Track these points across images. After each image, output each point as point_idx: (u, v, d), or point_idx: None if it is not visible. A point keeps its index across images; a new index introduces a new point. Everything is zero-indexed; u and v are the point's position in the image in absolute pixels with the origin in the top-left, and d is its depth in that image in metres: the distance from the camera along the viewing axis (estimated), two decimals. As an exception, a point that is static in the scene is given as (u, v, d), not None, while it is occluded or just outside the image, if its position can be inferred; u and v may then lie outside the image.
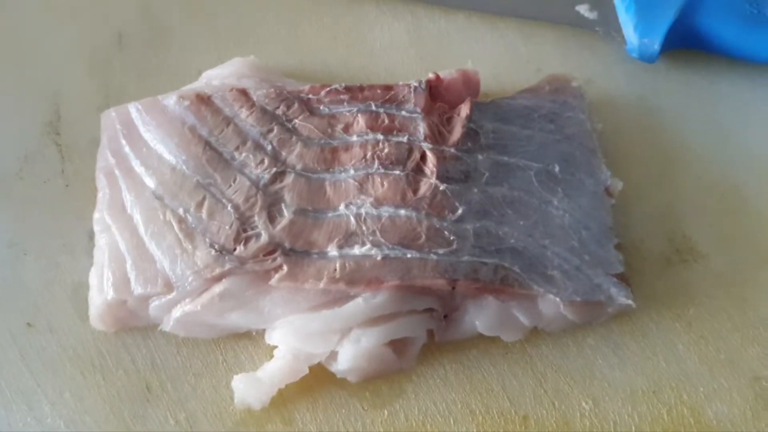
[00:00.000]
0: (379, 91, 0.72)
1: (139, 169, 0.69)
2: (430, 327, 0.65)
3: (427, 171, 0.68)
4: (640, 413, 0.66)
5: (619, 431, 0.65)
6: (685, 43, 0.83)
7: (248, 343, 0.67)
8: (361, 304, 0.62)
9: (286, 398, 0.64)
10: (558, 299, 0.65)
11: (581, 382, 0.67)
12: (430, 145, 0.69)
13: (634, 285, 0.68)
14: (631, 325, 0.69)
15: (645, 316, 0.70)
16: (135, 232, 0.66)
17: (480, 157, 0.71)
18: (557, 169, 0.72)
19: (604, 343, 0.68)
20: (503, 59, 0.84)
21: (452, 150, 0.70)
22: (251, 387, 0.63)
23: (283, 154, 0.69)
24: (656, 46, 0.81)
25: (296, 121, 0.70)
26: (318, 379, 0.64)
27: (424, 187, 0.67)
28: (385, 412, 0.65)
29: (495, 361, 0.67)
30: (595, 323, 0.69)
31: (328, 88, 0.72)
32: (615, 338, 0.69)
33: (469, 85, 0.75)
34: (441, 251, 0.64)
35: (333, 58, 0.83)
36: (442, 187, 0.67)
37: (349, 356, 0.63)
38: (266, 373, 0.63)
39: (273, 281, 0.63)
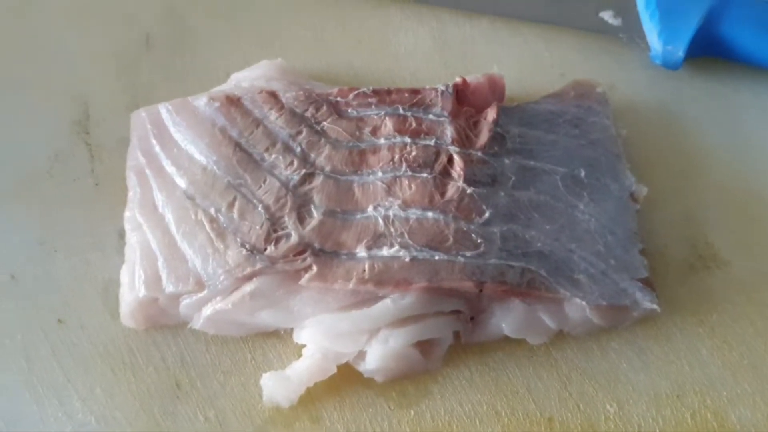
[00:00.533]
0: (406, 95, 0.73)
1: (170, 168, 0.70)
2: (457, 329, 0.66)
3: (455, 174, 0.69)
4: (664, 417, 0.66)
5: (645, 435, 0.65)
6: (709, 50, 0.83)
7: (277, 341, 0.68)
8: (389, 305, 0.63)
9: (314, 397, 0.65)
10: (584, 303, 0.65)
11: (606, 386, 0.67)
12: (457, 149, 0.70)
13: (658, 290, 0.69)
14: (656, 329, 0.70)
15: (669, 321, 0.70)
16: (167, 231, 0.67)
17: (506, 161, 0.71)
18: (583, 173, 0.72)
19: (628, 347, 0.69)
20: (527, 64, 0.85)
21: (479, 154, 0.71)
22: (280, 385, 0.64)
23: (312, 155, 0.69)
24: (680, 54, 0.81)
25: (325, 123, 0.71)
26: (346, 379, 0.65)
27: (451, 190, 0.68)
28: (412, 412, 0.66)
29: (520, 363, 0.68)
30: (620, 327, 0.69)
31: (356, 92, 0.73)
32: (639, 342, 0.69)
33: (495, 89, 0.76)
34: (468, 254, 0.65)
35: (358, 62, 0.84)
36: (469, 190, 0.68)
37: (377, 356, 0.63)
38: (295, 372, 0.64)
39: (303, 281, 0.64)
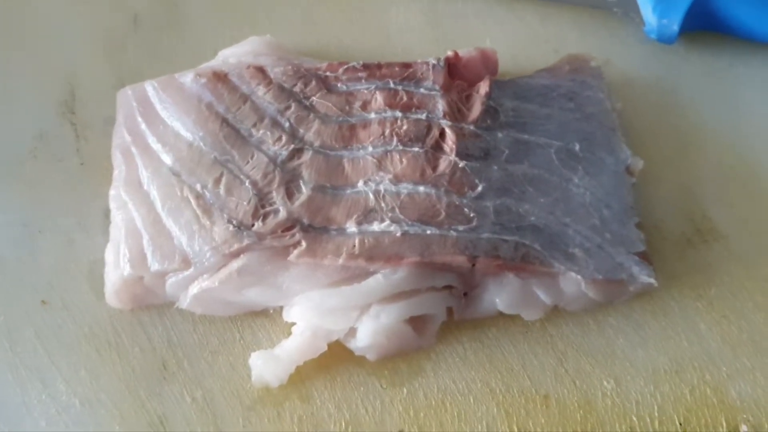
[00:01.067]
0: (397, 69, 0.72)
1: (155, 146, 0.68)
2: (450, 305, 0.65)
3: (446, 148, 0.67)
4: (662, 393, 0.65)
5: (641, 411, 0.64)
6: (704, 24, 0.82)
7: (266, 320, 0.67)
8: (380, 280, 0.62)
9: (304, 376, 0.64)
10: (579, 277, 0.64)
11: (603, 362, 0.66)
12: (449, 123, 0.69)
13: (656, 264, 0.67)
14: (653, 304, 0.68)
15: (666, 296, 0.69)
16: (152, 208, 0.65)
17: (499, 134, 0.70)
18: (577, 147, 0.71)
19: (625, 322, 0.68)
20: (521, 40, 0.83)
21: (471, 127, 0.69)
22: (269, 364, 0.62)
23: (301, 131, 0.68)
24: (675, 27, 0.80)
25: (314, 98, 0.70)
26: (336, 357, 0.64)
27: (443, 164, 0.67)
28: (404, 390, 0.64)
29: (515, 339, 0.66)
30: (617, 302, 0.68)
31: (345, 66, 0.72)
32: (636, 317, 0.68)
33: (487, 63, 0.75)
34: (461, 228, 0.64)
35: (349, 39, 0.82)
36: (461, 164, 0.67)
37: (369, 333, 0.62)
38: (284, 351, 0.63)
39: (292, 257, 0.62)
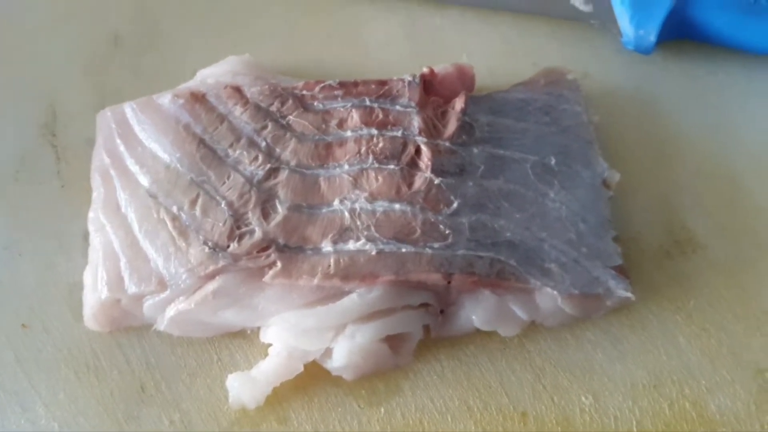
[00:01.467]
0: (373, 86, 0.72)
1: (133, 167, 0.68)
2: (426, 322, 0.65)
3: (422, 165, 0.68)
4: (641, 408, 0.65)
5: (620, 426, 0.64)
6: (682, 34, 0.82)
7: (242, 341, 0.67)
8: (355, 299, 0.62)
9: (281, 397, 0.64)
10: (555, 292, 0.64)
11: (581, 377, 0.66)
12: (424, 139, 0.69)
13: (633, 277, 0.67)
14: (631, 318, 0.68)
15: (645, 309, 0.69)
16: (129, 230, 0.66)
17: (475, 150, 0.70)
18: (553, 161, 0.71)
19: (603, 336, 0.68)
20: (498, 54, 0.84)
21: (447, 144, 0.69)
22: (246, 386, 0.62)
23: (278, 150, 0.68)
24: (652, 38, 0.80)
25: (290, 117, 0.70)
26: (313, 378, 0.64)
27: (419, 181, 0.67)
28: (382, 409, 0.64)
29: (493, 356, 0.66)
30: (594, 317, 0.68)
31: (322, 84, 0.72)
32: (614, 332, 0.68)
33: (463, 79, 0.75)
34: (436, 245, 0.64)
35: (328, 56, 0.83)
36: (437, 180, 0.67)
37: (344, 353, 0.62)
38: (261, 372, 0.63)
39: (267, 278, 0.62)
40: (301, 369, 0.62)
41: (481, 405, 0.64)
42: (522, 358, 0.66)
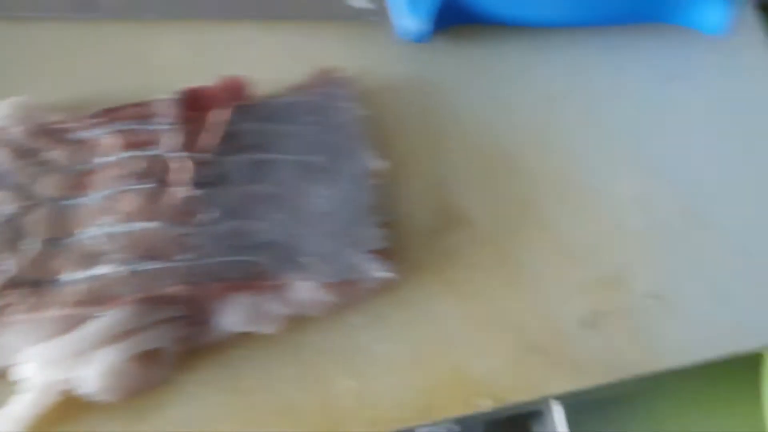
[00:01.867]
0: (134, 109, 0.73)
1: None
2: (181, 334, 0.65)
3: (178, 180, 0.69)
4: (404, 381, 0.66)
5: (384, 404, 0.65)
6: (458, 19, 0.84)
7: (4, 381, 0.65)
8: (103, 321, 0.62)
9: (40, 432, 0.63)
10: (311, 283, 0.65)
11: (345, 362, 0.67)
12: (183, 154, 0.70)
13: (401, 258, 0.69)
14: (398, 297, 0.69)
15: (412, 287, 0.70)
16: None
17: (236, 158, 0.71)
18: (319, 159, 0.73)
19: (369, 319, 0.68)
20: (284, 62, 0.84)
21: (205, 155, 0.70)
22: (5, 423, 0.62)
23: (35, 187, 0.69)
24: (426, 26, 0.82)
25: (50, 152, 0.71)
26: (73, 407, 0.63)
27: (174, 197, 0.68)
28: (146, 427, 0.64)
29: (257, 356, 0.67)
30: (363, 301, 0.69)
31: (84, 115, 0.73)
32: (380, 312, 0.69)
33: (232, 90, 0.76)
34: (189, 256, 0.64)
35: (112, 84, 0.82)
36: (192, 193, 0.68)
37: (96, 376, 0.62)
38: (15, 409, 0.62)
39: (13, 316, 0.63)
40: (57, 399, 0.62)
41: (247, 405, 0.65)
42: (289, 353, 0.67)
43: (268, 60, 0.85)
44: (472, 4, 0.83)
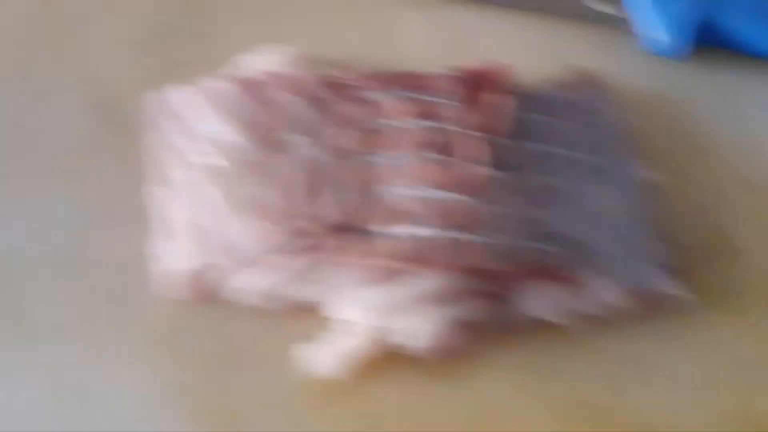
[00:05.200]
0: (413, 78, 0.74)
1: (192, 148, 0.69)
2: (491, 310, 0.66)
3: (473, 158, 0.69)
4: (709, 409, 0.65)
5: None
6: (712, 41, 0.85)
7: (316, 317, 0.65)
8: (430, 282, 0.63)
9: (358, 375, 0.63)
10: (610, 285, 0.66)
11: (647, 374, 0.66)
12: (476, 134, 0.70)
13: (683, 278, 0.69)
14: (692, 320, 0.69)
15: (703, 312, 0.69)
16: (196, 207, 0.66)
17: (527, 146, 0.72)
18: (595, 160, 0.73)
19: (668, 337, 0.68)
20: (528, 55, 0.84)
21: (500, 139, 0.71)
22: (319, 361, 0.63)
23: (332, 137, 0.69)
24: (680, 43, 0.83)
25: (341, 106, 0.71)
26: (386, 357, 0.64)
27: (474, 174, 0.68)
28: (458, 392, 0.64)
29: (558, 349, 0.67)
30: (654, 316, 0.68)
31: (373, 74, 0.74)
32: (677, 332, 0.68)
33: (505, 76, 0.76)
34: (496, 235, 0.65)
35: (368, 52, 0.83)
36: (491, 174, 0.68)
37: (424, 333, 0.63)
38: (334, 348, 0.63)
39: (342, 257, 0.63)
40: (374, 347, 0.63)
41: (560, 396, 0.65)
42: (589, 352, 0.67)
43: (511, 50, 0.85)
44: (729, 28, 0.84)
